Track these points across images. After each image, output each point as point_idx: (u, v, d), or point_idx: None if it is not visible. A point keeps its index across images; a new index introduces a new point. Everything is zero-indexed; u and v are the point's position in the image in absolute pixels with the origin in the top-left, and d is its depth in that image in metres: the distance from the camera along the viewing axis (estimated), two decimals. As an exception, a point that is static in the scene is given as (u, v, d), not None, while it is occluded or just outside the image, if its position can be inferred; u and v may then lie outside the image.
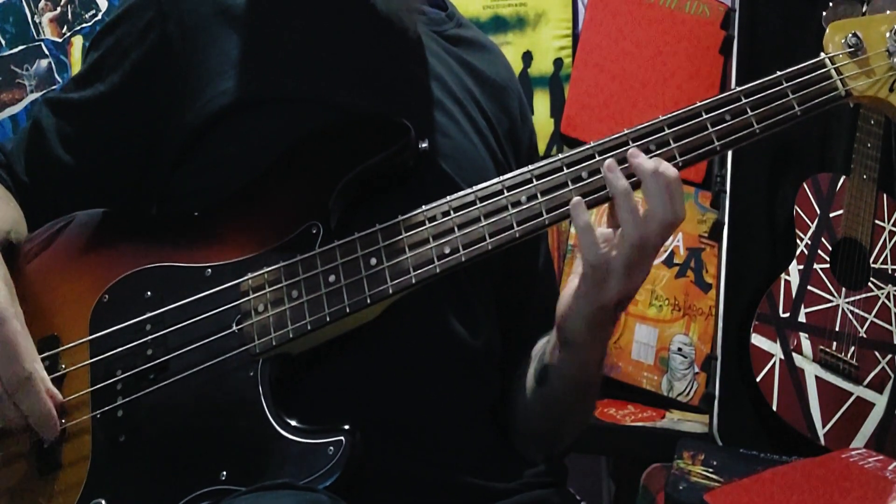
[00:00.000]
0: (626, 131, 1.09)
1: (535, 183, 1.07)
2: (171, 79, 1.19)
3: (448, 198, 1.08)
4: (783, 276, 1.95)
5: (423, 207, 1.08)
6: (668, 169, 1.05)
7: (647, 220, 1.03)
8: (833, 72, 1.12)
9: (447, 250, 1.06)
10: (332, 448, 0.99)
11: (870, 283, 1.94)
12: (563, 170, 1.08)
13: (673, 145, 1.08)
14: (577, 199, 1.05)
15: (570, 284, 1.09)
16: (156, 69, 1.20)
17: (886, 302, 1.94)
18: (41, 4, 2.35)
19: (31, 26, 2.35)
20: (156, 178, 1.21)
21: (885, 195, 1.98)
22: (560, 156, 1.08)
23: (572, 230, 2.26)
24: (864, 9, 1.35)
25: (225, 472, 1.01)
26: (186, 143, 1.18)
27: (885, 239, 1.96)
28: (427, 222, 1.07)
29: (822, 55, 1.13)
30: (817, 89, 1.11)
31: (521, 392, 1.23)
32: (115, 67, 1.22)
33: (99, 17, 2.36)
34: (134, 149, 1.21)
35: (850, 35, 1.13)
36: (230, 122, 1.16)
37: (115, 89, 1.22)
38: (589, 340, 1.10)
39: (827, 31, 1.15)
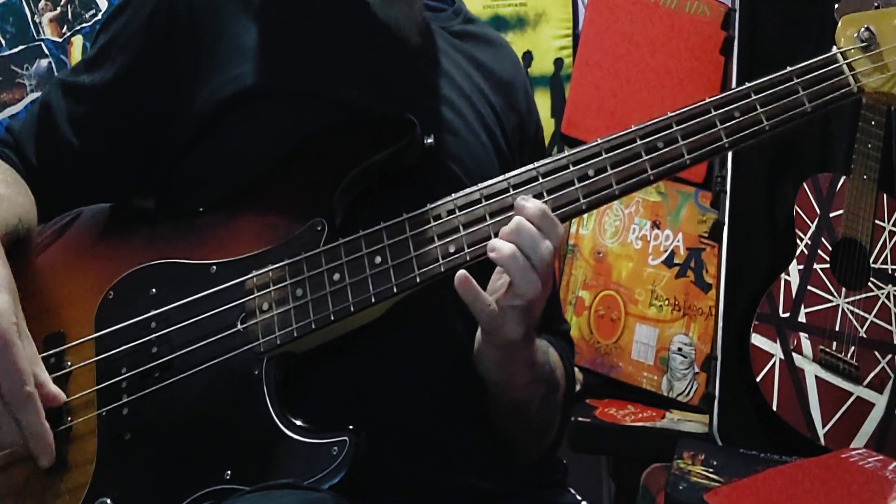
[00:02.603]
0: (633, 128, 1.08)
1: (540, 181, 1.07)
2: (180, 63, 1.19)
3: (453, 195, 1.08)
4: (783, 276, 1.95)
5: (429, 205, 1.07)
6: (522, 222, 1.03)
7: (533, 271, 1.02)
8: (845, 67, 1.10)
9: (452, 249, 1.06)
10: (336, 448, 0.99)
11: (870, 283, 1.94)
12: (568, 167, 1.07)
13: (681, 142, 1.07)
14: (462, 272, 1.04)
15: (478, 332, 1.10)
16: (164, 53, 1.20)
17: (886, 302, 1.94)
18: (41, 4, 2.35)
19: (31, 26, 2.35)
20: (162, 166, 1.21)
21: (885, 195, 1.98)
22: (566, 153, 1.08)
23: (572, 230, 2.27)
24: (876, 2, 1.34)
25: (229, 471, 1.01)
26: (193, 130, 1.18)
27: (885, 239, 1.96)
28: (432, 220, 1.07)
29: (834, 49, 1.11)
30: (829, 85, 1.09)
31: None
32: (123, 50, 1.22)
33: (99, 16, 2.36)
34: (142, 133, 1.21)
35: (863, 29, 1.11)
36: (237, 111, 1.16)
37: (124, 72, 1.22)
38: (503, 374, 1.11)
39: (839, 24, 1.12)
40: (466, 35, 1.33)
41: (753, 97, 1.08)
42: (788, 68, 1.10)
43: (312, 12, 1.22)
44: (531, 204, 1.04)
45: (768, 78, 1.10)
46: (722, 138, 1.07)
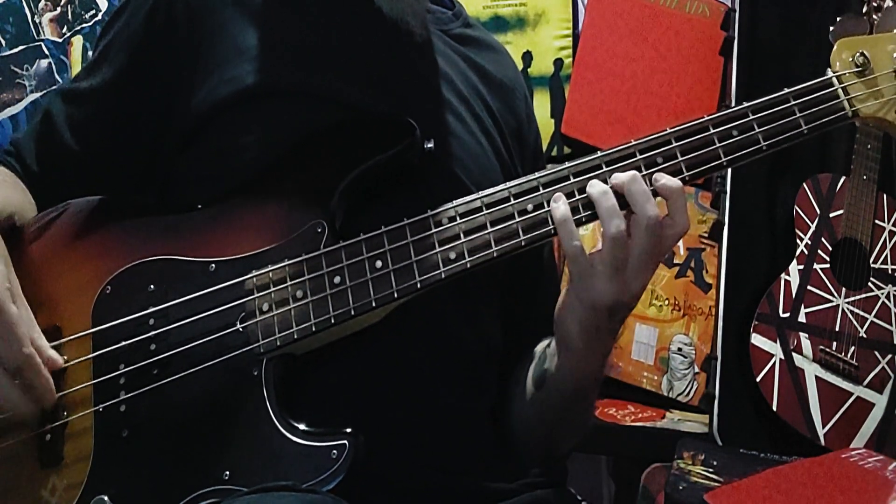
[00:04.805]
0: (633, 142, 1.08)
1: (541, 191, 1.07)
2: (178, 62, 1.19)
3: (454, 202, 1.08)
4: (783, 276, 1.95)
5: (430, 212, 1.07)
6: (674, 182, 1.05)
7: (634, 224, 1.02)
8: (840, 91, 1.10)
9: (452, 256, 1.06)
10: (335, 451, 0.99)
11: (870, 283, 1.95)
12: (569, 179, 1.07)
13: (680, 159, 1.07)
14: (557, 193, 1.05)
15: (567, 287, 1.09)
16: (162, 53, 1.20)
17: (886, 302, 1.94)
18: (41, 4, 2.35)
19: (31, 26, 2.34)
20: (162, 166, 1.21)
21: (884, 195, 1.98)
22: (567, 164, 1.08)
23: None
24: (870, 21, 1.34)
25: (228, 472, 1.01)
26: (192, 129, 1.17)
27: (885, 239, 1.96)
28: (433, 226, 1.07)
29: (830, 73, 1.12)
30: (824, 109, 1.10)
31: (520, 395, 1.23)
32: (121, 51, 1.22)
33: (99, 17, 2.35)
34: (141, 134, 1.21)
35: (858, 54, 1.11)
36: (235, 111, 1.16)
37: (122, 73, 1.22)
38: (582, 345, 1.09)
39: (834, 47, 1.13)
40: (466, 39, 1.33)
41: (751, 117, 1.09)
42: (786, 90, 1.11)
43: (314, 9, 1.22)
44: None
45: (765, 98, 1.10)
46: (720, 156, 1.08)
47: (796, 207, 1.98)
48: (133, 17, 1.22)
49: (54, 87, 2.26)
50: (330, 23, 1.22)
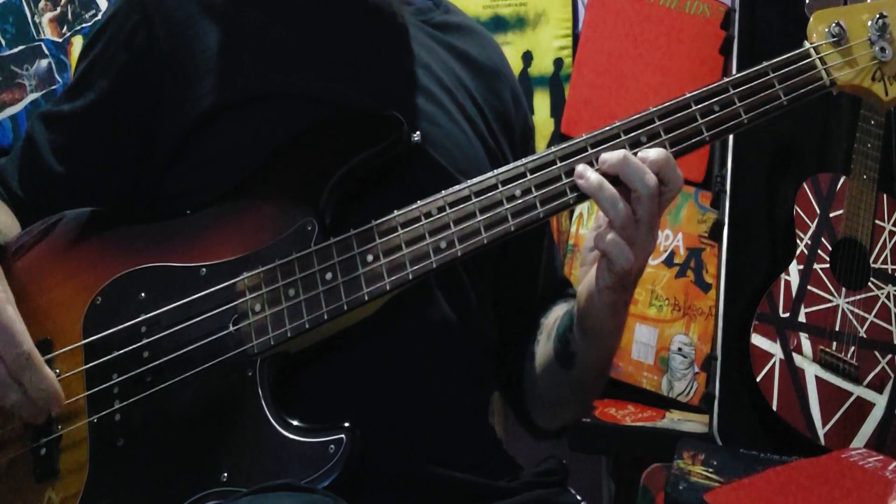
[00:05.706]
0: (616, 123, 1.10)
1: (529, 177, 1.08)
2: (160, 80, 1.18)
3: (443, 193, 1.08)
4: (783, 276, 1.95)
5: (419, 203, 1.08)
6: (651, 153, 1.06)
7: (635, 199, 1.04)
8: (818, 62, 1.13)
9: (443, 245, 1.06)
10: (332, 447, 0.99)
11: (870, 283, 1.94)
12: (556, 163, 1.08)
13: (664, 137, 1.09)
14: (581, 165, 1.06)
15: (588, 279, 1.11)
16: (144, 72, 1.19)
17: (886, 302, 1.94)
18: (41, 4, 2.35)
19: (31, 26, 2.35)
20: (149, 181, 1.20)
21: (885, 195, 1.98)
22: (553, 149, 1.09)
23: (573, 230, 2.27)
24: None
25: (226, 474, 1.01)
26: (178, 143, 1.17)
27: (885, 239, 1.96)
28: (423, 218, 1.07)
29: (807, 45, 1.14)
30: (803, 79, 1.12)
31: (532, 370, 1.25)
32: (103, 73, 1.21)
33: (99, 16, 2.36)
34: (127, 153, 1.20)
35: (834, 24, 1.14)
36: (219, 120, 1.15)
37: (105, 95, 1.21)
38: (613, 323, 1.13)
39: (811, 19, 1.15)
40: (447, 26, 1.33)
41: (732, 91, 1.11)
42: (764, 63, 1.13)
43: (291, 4, 1.22)
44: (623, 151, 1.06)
45: (745, 73, 1.12)
46: (703, 132, 1.09)
47: (796, 207, 1.98)
48: (114, 39, 1.21)
49: (35, 113, 2.26)
50: (308, 16, 1.22)
